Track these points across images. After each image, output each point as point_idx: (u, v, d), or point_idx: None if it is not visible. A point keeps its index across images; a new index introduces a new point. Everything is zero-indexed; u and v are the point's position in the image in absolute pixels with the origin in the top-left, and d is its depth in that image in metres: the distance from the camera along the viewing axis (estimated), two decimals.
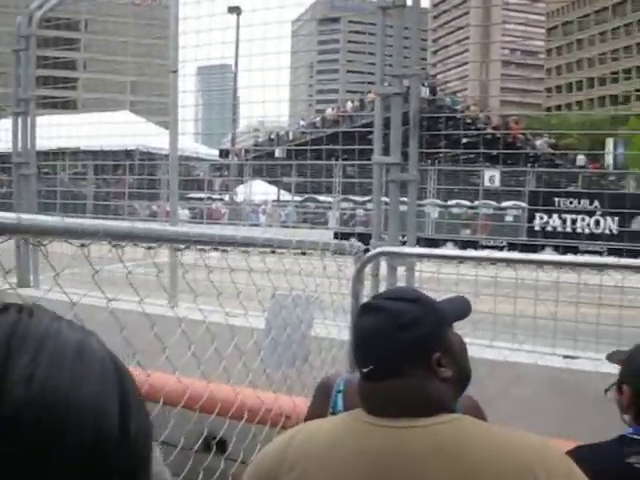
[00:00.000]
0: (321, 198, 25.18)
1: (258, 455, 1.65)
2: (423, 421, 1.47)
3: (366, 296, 4.01)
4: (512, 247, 19.49)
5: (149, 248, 2.41)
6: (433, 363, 1.52)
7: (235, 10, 22.22)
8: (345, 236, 15.68)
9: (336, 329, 3.77)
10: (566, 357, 4.64)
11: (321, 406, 2.31)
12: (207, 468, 2.94)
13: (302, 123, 34.01)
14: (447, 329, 1.62)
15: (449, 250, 4.95)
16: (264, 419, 3.07)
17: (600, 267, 3.53)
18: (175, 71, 6.43)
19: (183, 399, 2.94)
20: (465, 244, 20.21)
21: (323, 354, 3.42)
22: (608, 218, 19.32)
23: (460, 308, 1.71)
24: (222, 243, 2.60)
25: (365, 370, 1.53)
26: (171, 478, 0.97)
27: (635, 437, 2.22)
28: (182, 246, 2.64)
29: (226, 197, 24.24)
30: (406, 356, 1.51)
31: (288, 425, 2.90)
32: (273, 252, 3.44)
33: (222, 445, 3.32)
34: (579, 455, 2.21)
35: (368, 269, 4.10)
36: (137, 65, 78.33)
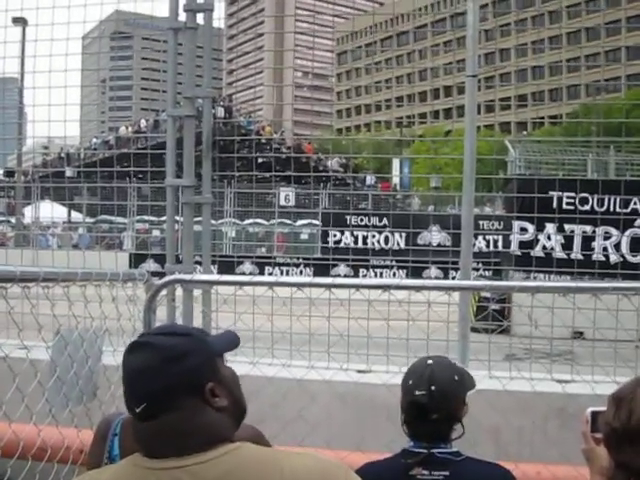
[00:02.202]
0: (115, 219, 24.38)
1: None
2: (203, 456, 1.44)
3: (161, 321, 3.93)
4: (307, 264, 20.05)
5: None
6: (207, 393, 1.51)
7: (20, 22, 20.92)
8: (141, 258, 15.31)
9: None
10: (359, 372, 4.82)
11: (98, 451, 2.22)
12: None
13: (95, 141, 32.80)
14: (218, 360, 1.60)
15: (240, 276, 4.96)
16: (51, 459, 2.90)
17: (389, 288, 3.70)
18: None
19: None
20: (263, 262, 20.49)
21: (113, 388, 3.29)
22: (396, 234, 20.38)
23: (229, 340, 1.71)
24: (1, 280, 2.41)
25: (137, 409, 1.47)
26: None
27: (414, 450, 2.35)
28: None
29: (12, 219, 22.80)
30: (178, 389, 1.49)
31: (76, 462, 2.77)
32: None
33: None
34: (367, 471, 2.30)
35: (164, 293, 4.02)
36: None
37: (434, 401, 2.31)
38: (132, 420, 1.52)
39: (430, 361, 2.43)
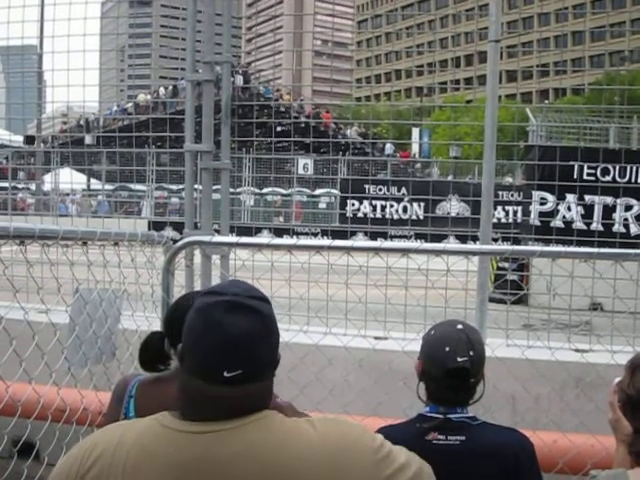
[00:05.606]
0: (134, 187, 24.43)
1: (54, 469, 1.52)
2: (236, 422, 1.42)
3: (179, 285, 3.94)
4: (325, 233, 20.02)
5: None
6: (277, 363, 1.52)
7: None
8: (160, 225, 15.40)
9: (146, 322, 3.69)
10: (376, 338, 4.82)
11: (114, 413, 2.23)
12: (13, 474, 2.76)
13: (114, 109, 32.76)
14: None
15: (259, 238, 4.95)
16: (69, 419, 2.93)
17: (405, 251, 3.68)
18: None
19: None
20: (281, 231, 20.49)
21: (132, 349, 3.31)
22: (415, 204, 20.24)
23: None
24: (19, 236, 2.41)
25: (228, 374, 1.40)
26: None
27: (430, 415, 2.34)
28: None
29: (32, 186, 22.88)
30: (273, 359, 1.49)
31: (94, 423, 2.80)
32: (85, 244, 3.27)
33: (28, 449, 3.14)
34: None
35: (182, 258, 4.03)
36: None
37: (474, 366, 2.29)
38: (196, 382, 1.42)
39: (460, 326, 2.37)
